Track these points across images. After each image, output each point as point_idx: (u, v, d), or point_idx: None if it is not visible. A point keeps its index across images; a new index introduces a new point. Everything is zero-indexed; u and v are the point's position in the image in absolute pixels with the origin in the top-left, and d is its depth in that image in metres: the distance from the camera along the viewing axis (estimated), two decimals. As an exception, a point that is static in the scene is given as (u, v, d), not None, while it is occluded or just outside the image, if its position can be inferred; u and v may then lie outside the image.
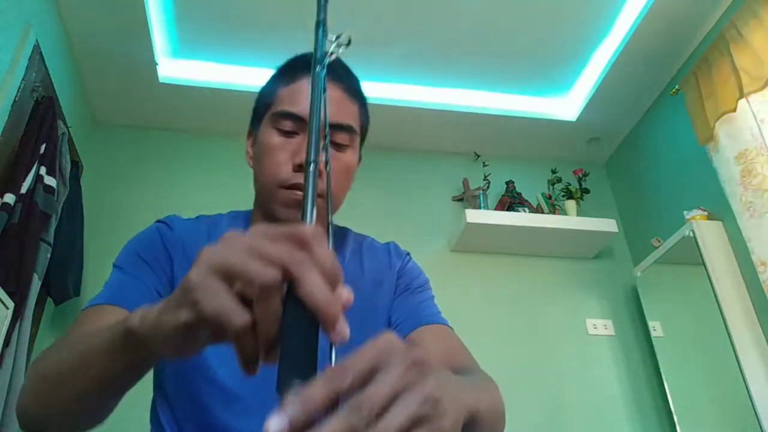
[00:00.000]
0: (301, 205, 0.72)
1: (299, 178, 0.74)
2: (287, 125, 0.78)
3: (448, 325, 0.83)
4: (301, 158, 0.73)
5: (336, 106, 0.79)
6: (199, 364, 0.73)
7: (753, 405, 1.96)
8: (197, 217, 0.86)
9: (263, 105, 0.83)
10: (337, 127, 0.79)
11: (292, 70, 0.82)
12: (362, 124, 0.86)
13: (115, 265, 0.75)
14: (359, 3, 2.26)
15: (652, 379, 2.56)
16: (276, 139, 0.78)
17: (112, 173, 2.66)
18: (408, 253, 0.95)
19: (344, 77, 0.82)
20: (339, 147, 0.80)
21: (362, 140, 0.88)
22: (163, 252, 0.76)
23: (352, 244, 0.90)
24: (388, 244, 0.94)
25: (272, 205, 0.78)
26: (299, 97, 0.78)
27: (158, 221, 0.83)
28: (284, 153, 0.77)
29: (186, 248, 0.78)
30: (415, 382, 0.32)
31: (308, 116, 0.73)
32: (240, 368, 0.36)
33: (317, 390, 0.30)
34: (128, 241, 0.79)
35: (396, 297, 0.86)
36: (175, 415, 0.74)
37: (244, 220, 0.87)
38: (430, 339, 0.79)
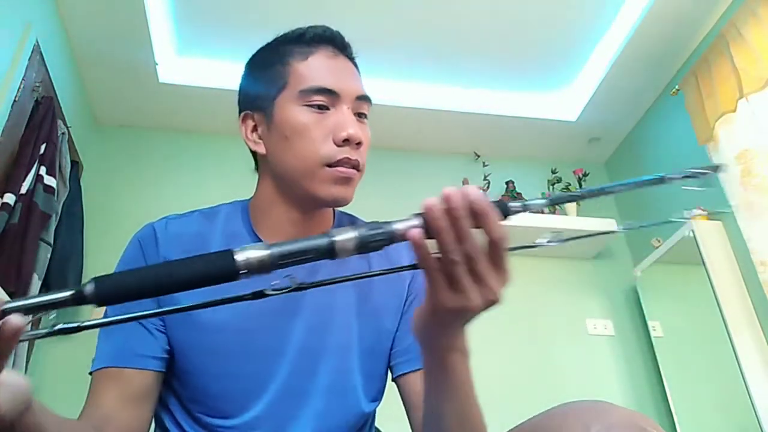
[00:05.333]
0: (350, 182, 0.73)
1: (345, 153, 0.72)
2: (320, 100, 0.74)
3: None
4: (347, 132, 0.72)
5: (353, 78, 0.78)
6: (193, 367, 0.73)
7: (753, 405, 1.96)
8: (191, 213, 0.81)
9: (274, 85, 0.77)
10: (363, 98, 0.77)
11: (303, 43, 0.79)
12: None
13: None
14: (359, 2, 2.25)
15: (652, 379, 2.56)
16: (309, 116, 0.74)
17: (112, 173, 2.66)
18: None
19: (348, 50, 0.81)
20: (362, 118, 0.78)
21: None
22: None
23: None
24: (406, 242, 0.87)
25: (314, 185, 0.73)
26: (324, 71, 0.76)
27: (140, 231, 0.78)
28: (321, 128, 0.73)
29: (170, 257, 0.73)
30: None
31: (340, 89, 0.74)
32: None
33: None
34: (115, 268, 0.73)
35: (407, 313, 0.82)
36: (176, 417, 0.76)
37: (242, 210, 0.82)
38: None
